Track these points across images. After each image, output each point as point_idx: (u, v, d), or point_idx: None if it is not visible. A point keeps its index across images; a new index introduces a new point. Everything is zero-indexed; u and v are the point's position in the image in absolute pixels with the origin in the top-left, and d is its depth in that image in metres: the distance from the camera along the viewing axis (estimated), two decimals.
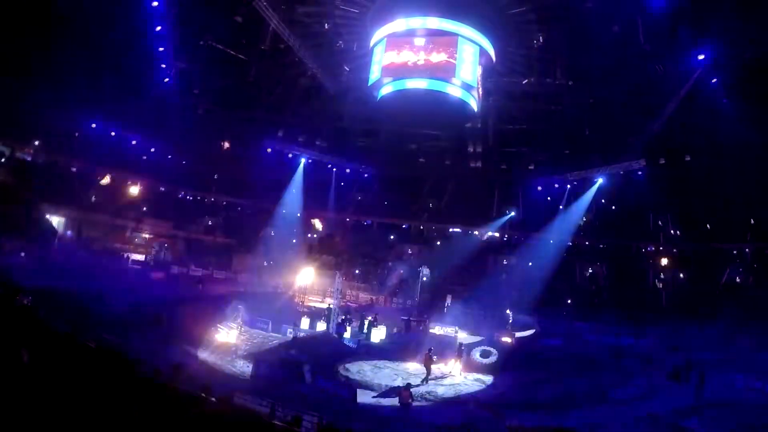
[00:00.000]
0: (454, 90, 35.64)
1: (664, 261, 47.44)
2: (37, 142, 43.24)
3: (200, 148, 48.44)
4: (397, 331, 34.36)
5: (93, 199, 45.52)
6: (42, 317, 13.96)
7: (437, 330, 32.85)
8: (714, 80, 33.35)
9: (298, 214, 52.70)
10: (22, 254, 32.80)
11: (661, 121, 38.47)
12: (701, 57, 32.04)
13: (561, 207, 49.89)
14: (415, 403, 20.30)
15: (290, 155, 51.36)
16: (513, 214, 52.41)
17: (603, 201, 49.16)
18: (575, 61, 38.41)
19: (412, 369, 25.77)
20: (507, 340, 32.58)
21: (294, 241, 48.17)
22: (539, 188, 50.22)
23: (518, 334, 34.53)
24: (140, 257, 43.18)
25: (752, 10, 28.08)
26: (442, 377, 25.21)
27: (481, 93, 37.95)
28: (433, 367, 25.33)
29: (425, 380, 23.59)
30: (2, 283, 17.25)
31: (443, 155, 52.29)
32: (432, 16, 34.77)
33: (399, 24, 34.99)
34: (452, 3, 34.94)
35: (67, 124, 43.18)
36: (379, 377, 24.33)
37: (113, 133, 45.51)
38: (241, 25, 38.03)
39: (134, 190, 47.67)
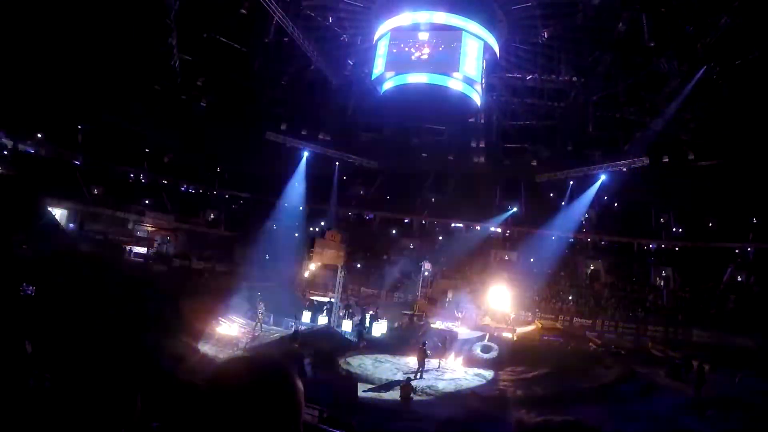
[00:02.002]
0: (455, 84, 35.55)
1: (666, 259, 47.44)
2: (39, 135, 43.32)
3: (203, 141, 48.38)
4: (399, 325, 34.40)
5: (95, 192, 45.59)
6: (45, 308, 14.02)
7: (438, 324, 32.87)
8: (718, 77, 33.26)
9: (301, 208, 52.74)
10: (24, 246, 32.88)
11: (666, 118, 38.44)
12: (706, 55, 31.95)
13: (563, 203, 49.90)
14: (415, 398, 20.34)
15: (293, 148, 51.32)
16: (515, 209, 52.40)
17: (605, 198, 49.14)
18: (580, 57, 38.37)
19: (413, 363, 25.76)
20: (508, 335, 32.61)
21: (296, 234, 48.18)
22: (542, 184, 50.20)
23: (519, 330, 34.55)
24: (142, 250, 43.24)
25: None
26: (443, 372, 25.24)
27: (484, 88, 37.86)
28: (434, 361, 25.40)
29: (418, 374, 23.48)
30: (6, 274, 17.30)
31: (446, 150, 52.24)
32: (439, 11, 34.61)
33: (405, 18, 34.84)
34: None
35: (71, 116, 43.25)
36: (380, 371, 24.37)
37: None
38: (245, 18, 38.02)
39: None
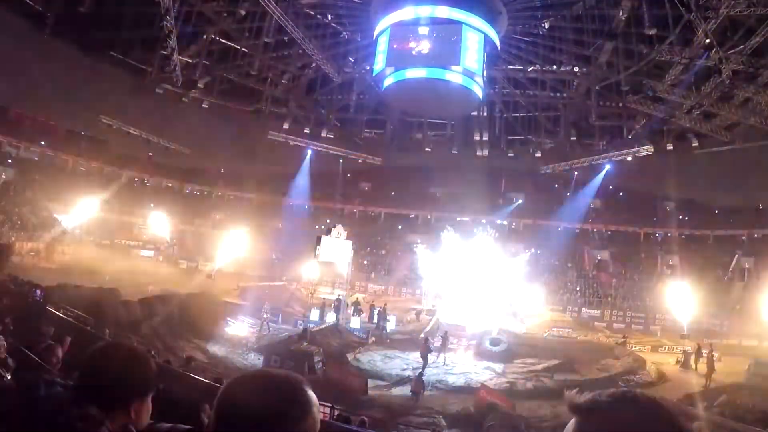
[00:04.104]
0: (454, 77, 35.51)
1: (672, 247, 47.28)
2: (43, 142, 43.47)
3: (206, 143, 48.44)
4: (408, 321, 34.41)
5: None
6: (54, 311, 14.08)
7: (448, 319, 32.80)
8: (719, 65, 33.07)
9: (306, 206, 52.83)
10: (32, 253, 33.07)
11: (669, 106, 38.34)
12: (707, 41, 31.74)
13: (568, 194, 49.85)
14: (426, 392, 20.35)
15: (296, 147, 51.39)
16: (520, 201, 52.34)
17: (610, 187, 49.06)
18: (581, 47, 38.30)
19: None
20: (517, 328, 32.58)
21: (302, 232, 48.23)
22: (546, 175, 50.15)
23: (528, 322, 34.52)
24: (149, 253, 43.37)
25: None
26: (452, 365, 25.19)
27: (485, 80, 37.80)
28: (445, 355, 25.38)
29: (423, 369, 23.31)
30: (15, 279, 17.39)
31: (450, 144, 52.24)
32: (441, 4, 34.56)
33: (407, 12, 34.81)
34: None
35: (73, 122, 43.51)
36: (389, 367, 24.35)
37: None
38: (244, 18, 38.08)
39: None
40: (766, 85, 32.71)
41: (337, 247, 33.22)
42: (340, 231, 33.75)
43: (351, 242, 35.06)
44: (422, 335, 27.86)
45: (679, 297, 33.47)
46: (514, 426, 16.64)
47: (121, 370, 1.84)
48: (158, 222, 45.31)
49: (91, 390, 1.79)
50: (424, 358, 23.79)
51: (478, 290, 32.95)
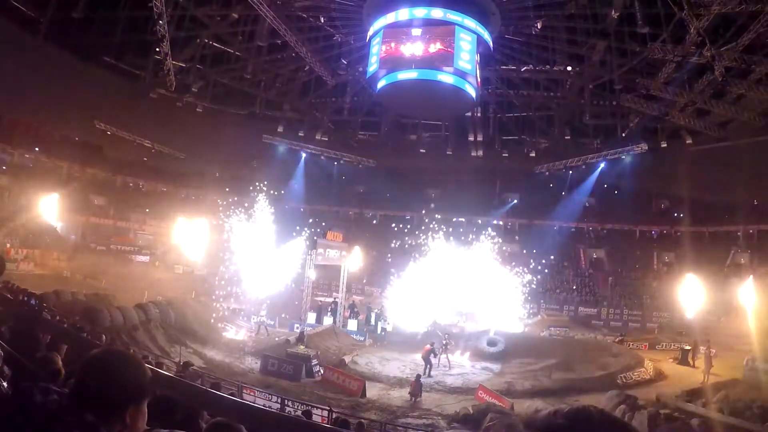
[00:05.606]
0: (446, 78, 35.53)
1: (668, 244, 47.38)
2: (37, 148, 43.30)
3: (201, 147, 48.33)
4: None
5: (96, 202, 45.57)
6: (49, 318, 14.00)
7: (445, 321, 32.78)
8: (712, 62, 33.17)
9: (301, 209, 52.75)
10: (27, 259, 32.95)
11: (662, 104, 38.45)
12: (700, 38, 31.84)
13: (563, 193, 49.88)
14: (424, 394, 20.33)
15: (291, 150, 51.30)
16: (515, 201, 52.37)
17: (605, 186, 49.14)
18: (574, 46, 38.39)
19: (420, 360, 25.71)
20: (514, 328, 32.58)
21: (298, 236, 48.12)
22: (541, 175, 50.18)
23: (524, 322, 34.52)
24: (145, 258, 43.22)
25: None
26: (450, 367, 25.18)
27: (479, 81, 37.84)
28: (442, 358, 25.35)
29: (426, 373, 23.27)
30: (9, 285, 17.30)
31: (444, 145, 52.26)
32: (436, 6, 34.61)
33: (402, 14, 34.84)
34: None
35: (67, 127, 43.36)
36: (387, 369, 24.33)
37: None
38: (237, 22, 38.06)
39: None
40: (759, 82, 32.85)
41: (333, 250, 33.23)
42: (335, 233, 33.76)
43: (346, 245, 35.06)
44: (420, 337, 27.88)
45: (689, 291, 32.60)
46: (512, 426, 16.67)
47: (116, 377, 1.83)
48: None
49: (87, 396, 1.79)
50: (426, 361, 23.76)
51: (475, 291, 32.87)
